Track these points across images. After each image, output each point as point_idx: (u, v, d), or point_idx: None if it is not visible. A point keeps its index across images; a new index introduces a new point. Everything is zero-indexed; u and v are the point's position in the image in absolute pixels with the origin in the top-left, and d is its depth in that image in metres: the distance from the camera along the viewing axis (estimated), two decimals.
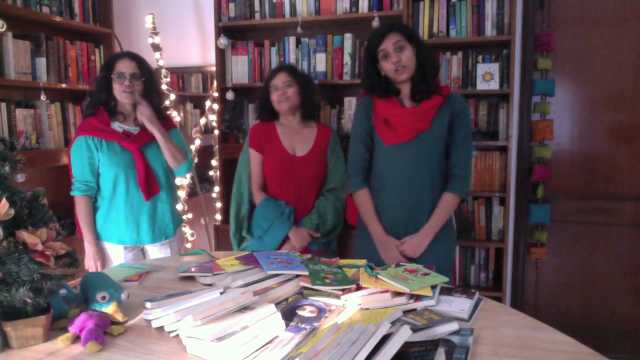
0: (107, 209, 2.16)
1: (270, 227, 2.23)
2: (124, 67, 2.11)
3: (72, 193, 2.16)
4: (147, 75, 2.16)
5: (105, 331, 1.20)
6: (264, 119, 2.37)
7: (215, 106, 3.00)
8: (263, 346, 1.10)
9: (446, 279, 1.41)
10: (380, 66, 1.92)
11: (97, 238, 2.19)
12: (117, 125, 2.16)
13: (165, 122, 2.26)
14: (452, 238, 2.06)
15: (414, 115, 1.91)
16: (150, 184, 2.15)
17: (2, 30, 2.42)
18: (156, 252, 2.28)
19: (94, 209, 2.19)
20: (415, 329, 1.09)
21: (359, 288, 1.38)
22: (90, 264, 2.18)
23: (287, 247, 2.24)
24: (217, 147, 3.02)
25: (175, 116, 3.06)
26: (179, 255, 2.18)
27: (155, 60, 3.07)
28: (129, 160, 2.12)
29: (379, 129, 1.97)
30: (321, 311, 1.28)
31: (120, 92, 2.11)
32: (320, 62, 2.80)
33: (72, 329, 1.19)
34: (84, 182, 2.13)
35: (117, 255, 2.20)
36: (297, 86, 2.27)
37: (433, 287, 1.36)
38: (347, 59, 2.76)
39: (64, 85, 2.83)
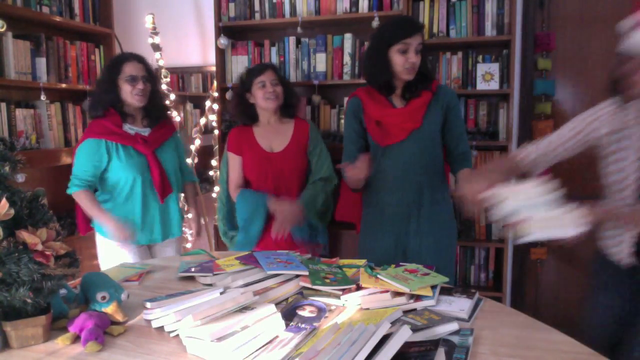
0: (123, 211, 2.15)
1: (250, 215, 2.24)
2: (135, 70, 2.12)
3: (69, 190, 2.11)
4: (153, 77, 2.21)
5: (105, 331, 1.20)
6: (244, 123, 2.38)
7: (215, 106, 3.00)
8: (263, 346, 1.10)
9: (446, 279, 1.41)
10: (390, 56, 1.87)
11: (107, 237, 2.18)
12: (127, 128, 2.17)
13: (168, 125, 2.31)
14: (454, 232, 2.08)
15: (404, 115, 1.92)
16: (165, 185, 2.19)
17: (2, 30, 2.42)
18: (162, 249, 2.32)
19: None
20: (415, 329, 1.09)
21: (359, 288, 1.39)
22: (119, 235, 2.08)
23: (275, 226, 2.14)
24: (217, 147, 3.03)
25: (176, 116, 3.06)
26: (179, 254, 2.18)
27: (155, 60, 3.07)
28: (144, 163, 2.15)
29: (372, 131, 1.98)
30: (321, 311, 1.28)
31: (133, 94, 2.12)
32: (320, 62, 2.80)
33: (72, 329, 1.19)
34: (84, 180, 2.10)
35: (128, 253, 2.20)
36: (282, 86, 2.31)
37: (433, 287, 1.36)
38: (347, 59, 2.76)
39: (64, 85, 2.83)
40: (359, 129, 2.02)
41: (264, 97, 2.26)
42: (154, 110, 2.23)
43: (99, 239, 2.23)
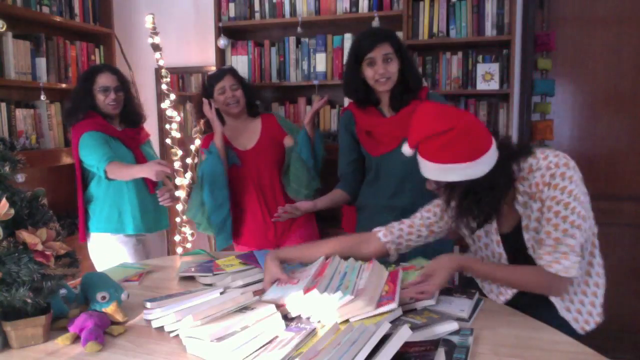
0: (119, 203, 2.24)
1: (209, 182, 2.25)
2: (107, 81, 2.22)
3: (102, 173, 2.12)
4: (126, 86, 2.31)
5: (105, 331, 1.20)
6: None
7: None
8: (263, 346, 1.10)
9: None
10: (362, 70, 1.91)
11: (102, 231, 2.25)
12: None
13: (140, 131, 2.39)
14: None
15: (394, 123, 1.93)
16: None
17: (2, 30, 2.42)
18: (155, 239, 2.39)
19: (102, 210, 2.24)
20: (414, 327, 1.09)
21: None
22: (159, 172, 2.04)
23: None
24: None
25: (175, 116, 3.06)
26: (179, 255, 2.18)
27: (155, 60, 3.07)
28: (132, 157, 2.26)
29: (364, 141, 2.00)
30: None
31: (107, 104, 2.22)
32: (320, 62, 2.80)
33: (72, 329, 1.19)
34: (105, 155, 2.11)
35: (124, 246, 2.25)
36: (242, 89, 2.33)
37: None
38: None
39: (64, 85, 2.82)
40: (352, 142, 2.05)
41: (224, 103, 2.29)
42: (130, 115, 2.34)
43: (93, 235, 2.28)
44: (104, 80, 2.22)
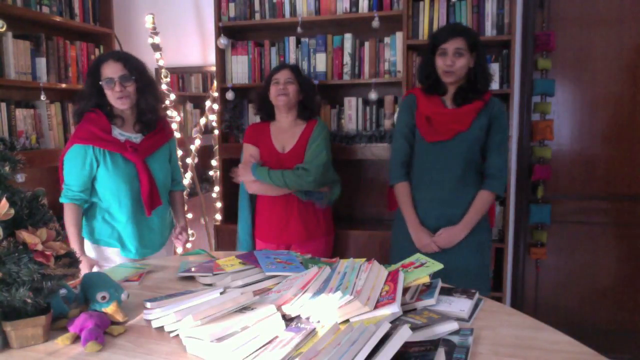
0: (109, 220, 2.06)
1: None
2: (111, 71, 1.95)
3: (61, 200, 1.99)
4: (137, 74, 2.00)
5: (105, 331, 1.20)
6: (262, 117, 2.46)
7: (215, 106, 3.00)
8: (263, 346, 1.10)
9: (441, 266, 1.41)
10: (435, 60, 2.01)
11: (95, 243, 2.09)
12: (118, 133, 2.03)
13: (164, 131, 2.17)
14: (487, 232, 2.13)
15: (454, 115, 2.00)
16: (154, 198, 2.06)
17: (2, 30, 2.42)
18: (161, 253, 2.26)
19: (93, 217, 2.06)
20: (415, 327, 1.09)
21: None
22: (91, 267, 1.98)
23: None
24: (217, 147, 3.03)
25: (175, 116, 3.06)
26: (179, 255, 2.18)
27: (155, 60, 3.07)
28: (133, 172, 2.01)
29: (421, 125, 2.06)
30: None
31: (115, 98, 1.97)
32: (320, 62, 2.80)
33: (72, 329, 1.19)
34: (76, 191, 1.98)
35: (117, 258, 2.11)
36: (298, 85, 2.33)
37: (433, 286, 1.36)
38: (347, 59, 2.76)
39: (64, 85, 2.82)
40: (411, 123, 2.10)
41: (275, 94, 2.31)
42: (146, 114, 2.06)
43: (87, 245, 2.11)
44: (108, 70, 1.95)
